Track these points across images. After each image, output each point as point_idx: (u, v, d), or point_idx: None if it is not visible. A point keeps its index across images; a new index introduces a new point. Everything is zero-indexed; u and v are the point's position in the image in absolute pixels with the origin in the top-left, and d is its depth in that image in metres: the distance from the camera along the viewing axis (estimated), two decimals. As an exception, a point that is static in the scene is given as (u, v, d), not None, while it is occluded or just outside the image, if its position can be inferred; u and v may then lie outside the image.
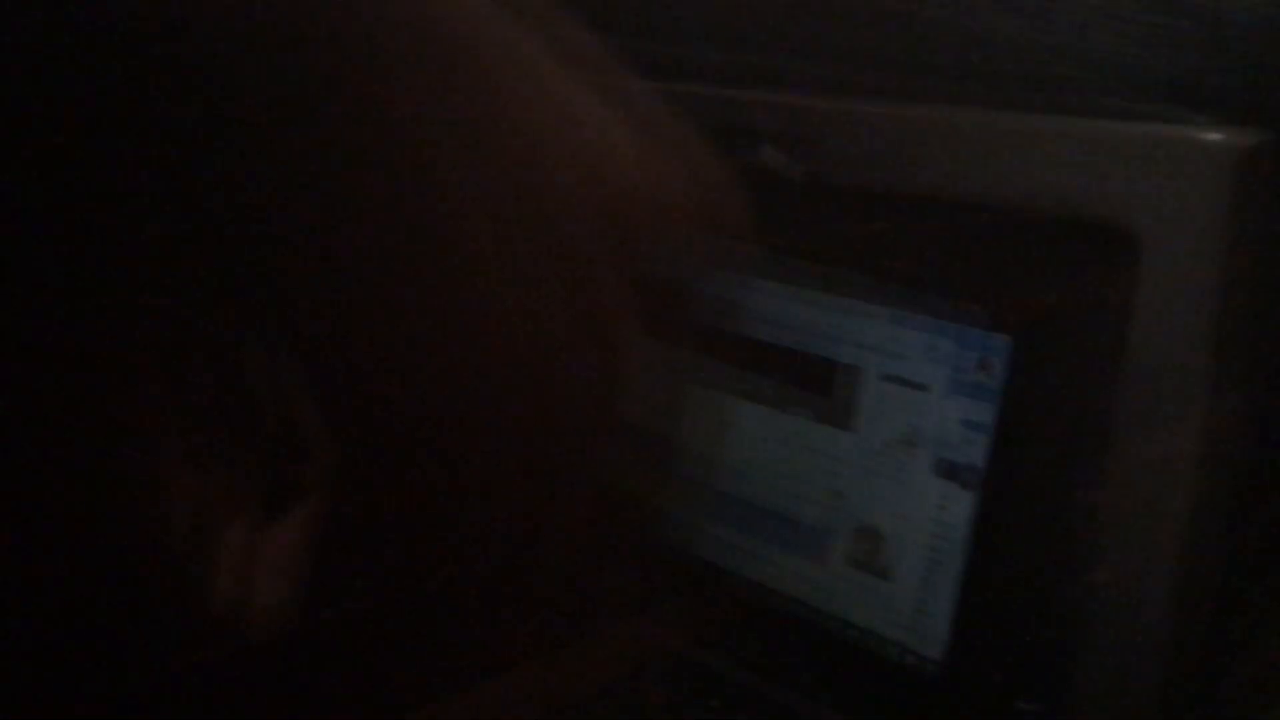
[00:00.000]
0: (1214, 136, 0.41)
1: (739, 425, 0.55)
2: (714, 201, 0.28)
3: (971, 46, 0.48)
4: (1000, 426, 0.47)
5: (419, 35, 0.22)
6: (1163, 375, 0.41)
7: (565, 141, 0.25)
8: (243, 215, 0.20)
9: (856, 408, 0.51)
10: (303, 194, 0.21)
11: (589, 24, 0.26)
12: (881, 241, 0.51)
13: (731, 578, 0.55)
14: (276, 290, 0.21)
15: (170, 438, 0.20)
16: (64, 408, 0.20)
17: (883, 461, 0.50)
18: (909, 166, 0.48)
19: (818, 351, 0.53)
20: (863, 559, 0.51)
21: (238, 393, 0.21)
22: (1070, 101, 0.45)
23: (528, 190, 0.23)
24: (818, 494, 0.52)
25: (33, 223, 0.19)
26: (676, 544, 0.30)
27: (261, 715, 0.23)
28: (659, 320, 0.26)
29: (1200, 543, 0.41)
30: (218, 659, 0.21)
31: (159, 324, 0.20)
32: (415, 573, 0.23)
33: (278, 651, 0.22)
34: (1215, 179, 0.40)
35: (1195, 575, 0.42)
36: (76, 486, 0.20)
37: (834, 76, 0.51)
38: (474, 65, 0.23)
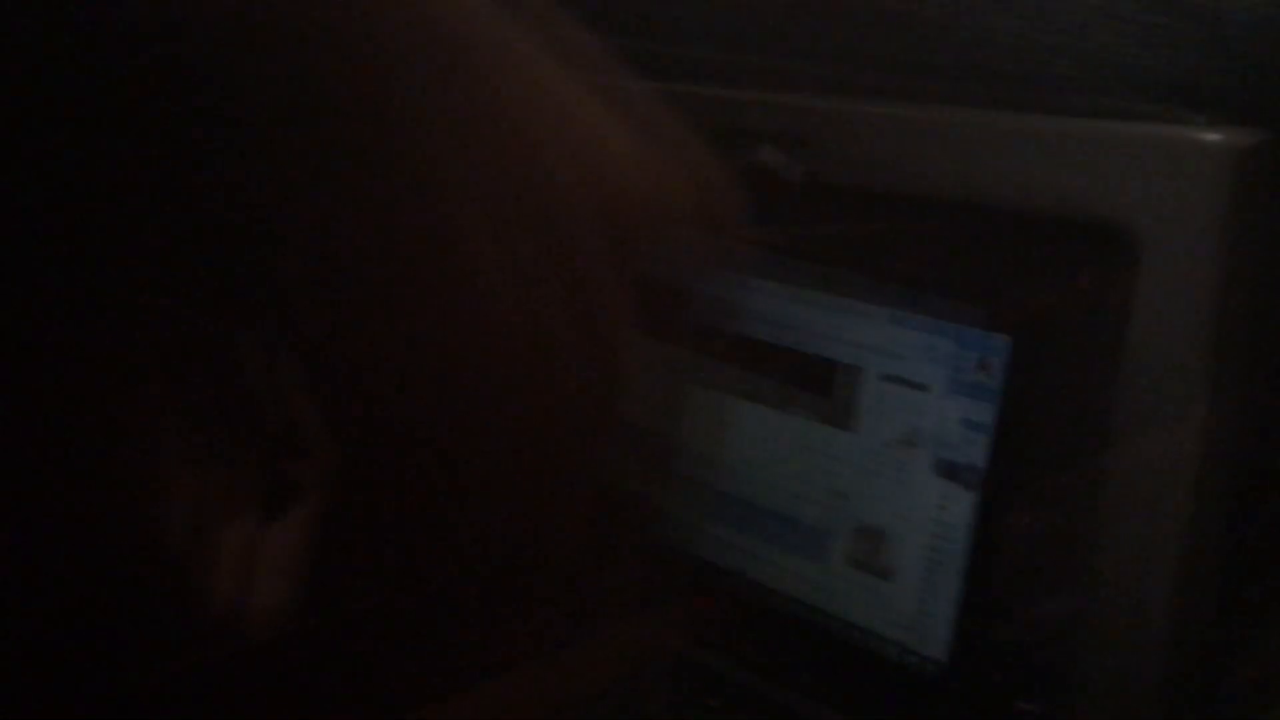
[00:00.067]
0: (1213, 136, 0.41)
1: (739, 425, 0.55)
2: (713, 201, 0.28)
3: (971, 46, 0.48)
4: (1000, 426, 0.47)
5: (419, 35, 0.22)
6: (1162, 375, 0.41)
7: (565, 142, 0.25)
8: (243, 215, 0.20)
9: (856, 408, 0.51)
10: (302, 194, 0.21)
11: (589, 24, 0.26)
12: (881, 241, 0.51)
13: (732, 578, 0.55)
14: (276, 290, 0.21)
15: (170, 437, 0.20)
16: (63, 407, 0.20)
17: (883, 461, 0.50)
18: (908, 166, 0.48)
19: (818, 352, 0.53)
20: (863, 559, 0.51)
21: (237, 393, 0.21)
22: (1070, 101, 0.45)
23: (527, 190, 0.23)
24: (818, 494, 0.52)
25: (33, 223, 0.19)
26: (676, 544, 0.30)
27: (261, 715, 0.23)
28: (659, 320, 0.26)
29: (1200, 543, 0.41)
30: (217, 659, 0.21)
31: (159, 324, 0.20)
32: (415, 573, 0.23)
33: (278, 651, 0.22)
34: (1214, 179, 0.40)
35: (1195, 575, 0.42)
36: (76, 486, 0.20)
37: (834, 76, 0.51)
38: (474, 65, 0.23)
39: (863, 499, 0.51)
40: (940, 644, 0.48)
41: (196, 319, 0.20)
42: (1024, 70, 0.47)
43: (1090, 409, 0.43)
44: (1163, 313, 0.41)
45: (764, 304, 0.54)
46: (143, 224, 0.20)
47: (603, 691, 0.29)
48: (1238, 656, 0.46)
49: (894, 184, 0.49)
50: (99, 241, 0.19)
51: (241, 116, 0.20)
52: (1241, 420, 0.42)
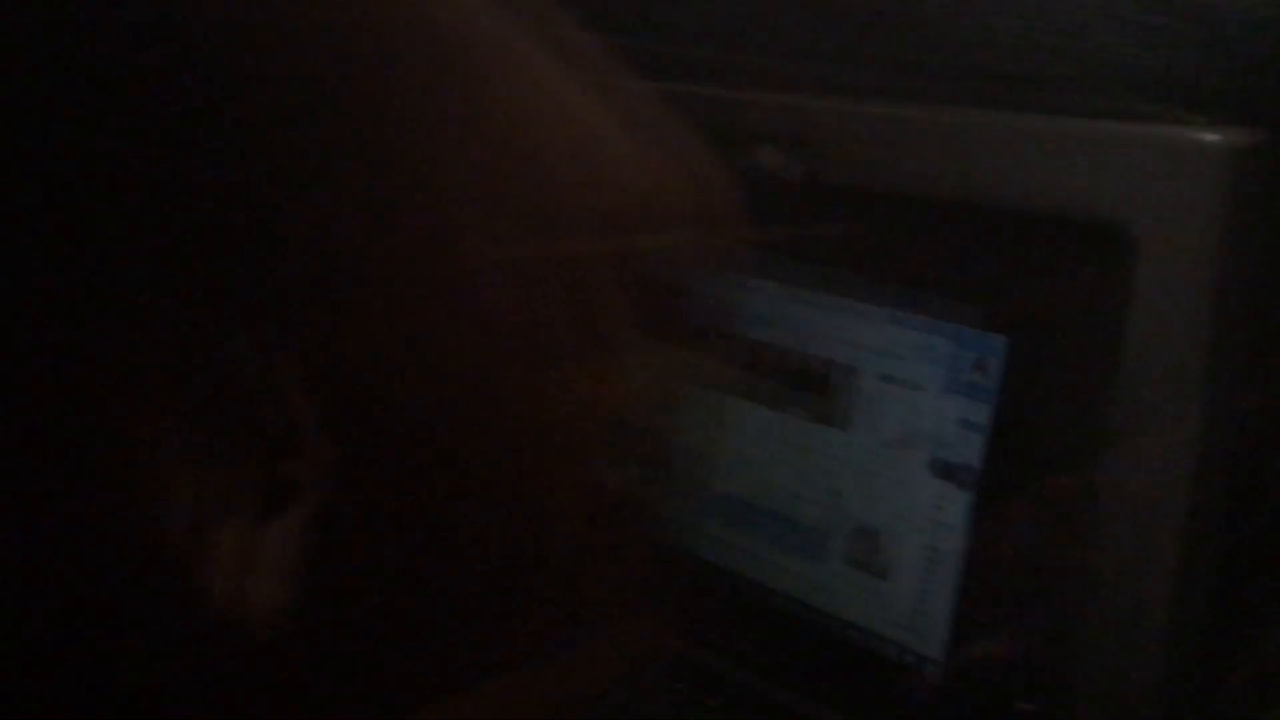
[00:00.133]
0: (1212, 136, 0.41)
1: (737, 425, 0.55)
2: (712, 202, 0.28)
3: (971, 46, 0.48)
4: (996, 426, 0.47)
5: (418, 35, 0.22)
6: (1160, 375, 0.41)
7: (565, 142, 0.25)
8: (242, 215, 0.20)
9: (853, 408, 0.51)
10: (302, 194, 0.21)
11: (588, 24, 0.26)
12: (879, 242, 0.51)
13: (731, 578, 0.55)
14: (275, 290, 0.21)
15: (168, 437, 0.20)
16: (62, 407, 0.20)
17: (880, 461, 0.50)
18: (907, 167, 0.48)
19: (815, 352, 0.53)
20: (861, 559, 0.51)
21: (236, 392, 0.21)
22: (1069, 101, 0.45)
23: (527, 190, 0.23)
24: (815, 494, 0.52)
25: (32, 222, 0.19)
26: (676, 544, 0.30)
27: (261, 715, 0.23)
28: (658, 320, 0.26)
29: (1198, 542, 0.42)
30: (217, 659, 0.21)
31: (158, 323, 0.20)
32: (415, 573, 0.23)
33: (277, 651, 0.22)
34: (1213, 179, 0.40)
35: (1193, 575, 0.42)
36: (74, 486, 0.20)
37: (833, 77, 0.51)
38: (474, 65, 0.23)
39: (860, 499, 0.51)
40: (938, 643, 0.48)
41: (195, 319, 0.20)
42: (1024, 70, 0.47)
43: (1087, 409, 0.43)
44: (1161, 313, 0.41)
45: (762, 304, 0.54)
46: (141, 224, 0.20)
47: (603, 691, 0.29)
48: (1237, 656, 0.46)
49: (893, 184, 0.49)
50: (97, 241, 0.19)
51: (241, 116, 0.20)
52: (1239, 420, 0.42)
